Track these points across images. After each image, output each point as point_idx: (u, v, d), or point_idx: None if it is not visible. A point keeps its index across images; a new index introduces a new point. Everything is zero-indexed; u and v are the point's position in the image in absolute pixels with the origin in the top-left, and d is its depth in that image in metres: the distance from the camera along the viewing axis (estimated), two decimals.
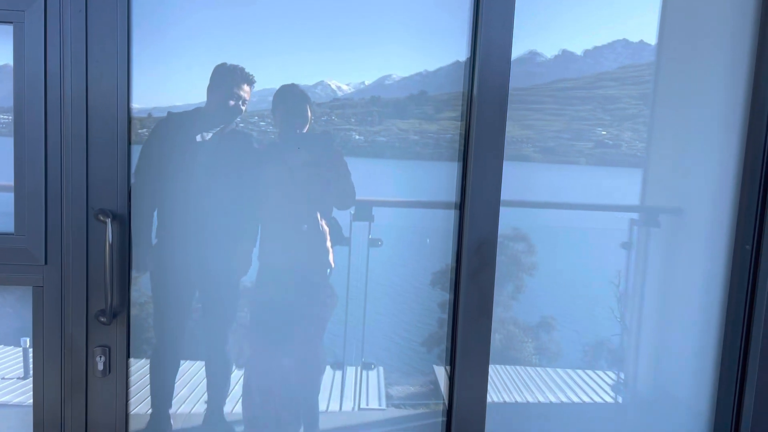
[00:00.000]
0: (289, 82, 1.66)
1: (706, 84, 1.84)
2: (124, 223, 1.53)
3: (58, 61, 1.47)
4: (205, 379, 1.77)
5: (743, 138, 1.81)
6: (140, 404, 1.70)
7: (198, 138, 1.67)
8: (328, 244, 1.76)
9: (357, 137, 1.76)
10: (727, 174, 1.84)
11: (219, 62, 1.62)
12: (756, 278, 1.77)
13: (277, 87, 1.66)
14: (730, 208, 1.84)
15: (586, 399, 1.98)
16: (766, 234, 1.73)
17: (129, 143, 1.53)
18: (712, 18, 1.82)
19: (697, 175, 1.89)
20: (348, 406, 1.89)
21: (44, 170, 1.50)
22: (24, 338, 1.73)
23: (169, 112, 1.63)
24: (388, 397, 1.87)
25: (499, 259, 1.78)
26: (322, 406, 1.85)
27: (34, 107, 1.48)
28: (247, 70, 1.64)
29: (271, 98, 1.67)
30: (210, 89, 1.64)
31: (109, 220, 1.45)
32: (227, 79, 1.64)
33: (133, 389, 1.65)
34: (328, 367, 1.86)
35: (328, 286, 1.79)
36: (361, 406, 1.90)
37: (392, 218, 1.81)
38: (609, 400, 2.00)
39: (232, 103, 1.65)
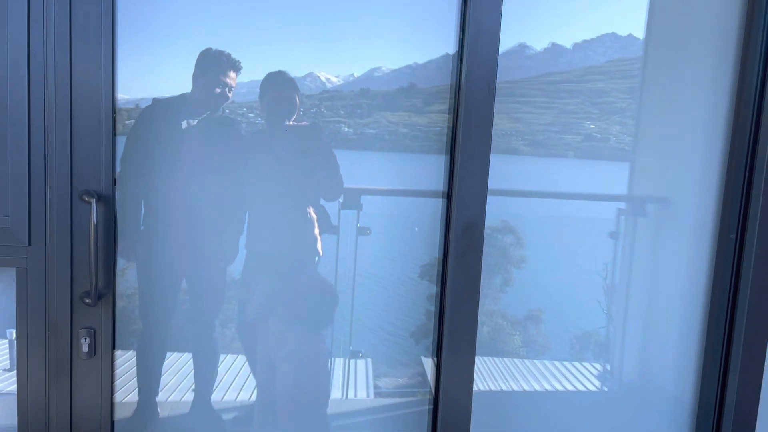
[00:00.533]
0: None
1: (693, 77, 1.85)
2: (108, 203, 1.52)
3: (42, 39, 1.46)
4: (193, 368, 1.76)
5: (729, 129, 1.82)
6: (128, 392, 1.69)
7: (184, 124, 1.66)
8: (316, 231, 1.76)
9: (346, 129, 1.76)
10: (713, 164, 1.86)
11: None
12: (740, 267, 1.78)
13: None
14: (716, 197, 1.86)
15: (571, 388, 1.98)
16: (751, 223, 1.74)
17: (114, 122, 1.52)
18: (699, 11, 1.84)
19: (683, 165, 1.90)
20: (336, 395, 1.89)
21: (27, 150, 1.48)
22: (10, 330, 1.73)
23: (154, 99, 1.62)
24: (376, 387, 1.87)
25: (488, 251, 1.79)
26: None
27: (17, 85, 1.46)
28: (233, 56, 1.64)
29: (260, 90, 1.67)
30: (195, 76, 1.63)
31: (93, 201, 1.45)
32: (212, 65, 1.63)
33: (120, 381, 1.65)
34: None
35: (326, 281, 1.79)
36: (349, 397, 1.89)
37: (381, 207, 1.81)
38: (594, 389, 2.01)
39: (218, 90, 1.65)
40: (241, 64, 1.64)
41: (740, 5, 1.77)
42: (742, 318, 1.77)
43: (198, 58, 1.62)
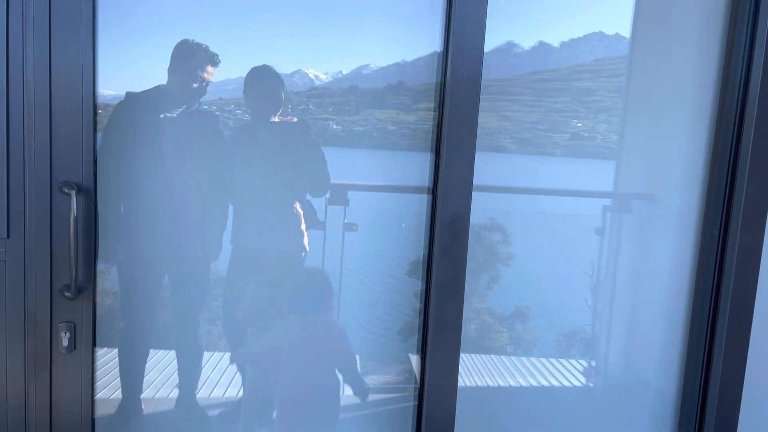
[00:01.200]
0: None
1: (678, 76, 1.87)
2: (89, 195, 1.50)
3: (21, 28, 1.44)
4: (177, 365, 1.75)
5: (712, 127, 1.84)
6: (111, 389, 1.68)
7: (161, 117, 1.63)
8: (303, 227, 1.75)
9: (335, 126, 1.76)
10: (696, 162, 1.87)
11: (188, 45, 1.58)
12: (723, 263, 1.79)
13: None
14: (700, 194, 1.87)
15: (557, 385, 1.98)
16: (734, 220, 1.76)
17: (94, 113, 1.50)
18: (683, 10, 1.85)
19: (668, 163, 1.91)
20: None
21: (6, 141, 1.46)
22: None
23: (127, 93, 1.59)
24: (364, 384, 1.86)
25: (476, 249, 1.79)
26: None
27: None
28: (211, 49, 1.60)
29: None
30: (171, 69, 1.60)
31: (73, 193, 1.43)
32: (189, 59, 1.59)
33: (105, 379, 1.63)
34: None
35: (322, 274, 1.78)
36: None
37: (368, 203, 1.81)
38: (580, 385, 2.01)
39: (195, 85, 1.62)
40: (219, 58, 1.61)
41: (725, 5, 1.79)
42: (725, 313, 1.78)
43: (174, 50, 1.58)
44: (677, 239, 1.91)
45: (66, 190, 1.44)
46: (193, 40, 1.59)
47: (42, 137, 1.47)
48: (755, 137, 1.70)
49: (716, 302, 1.82)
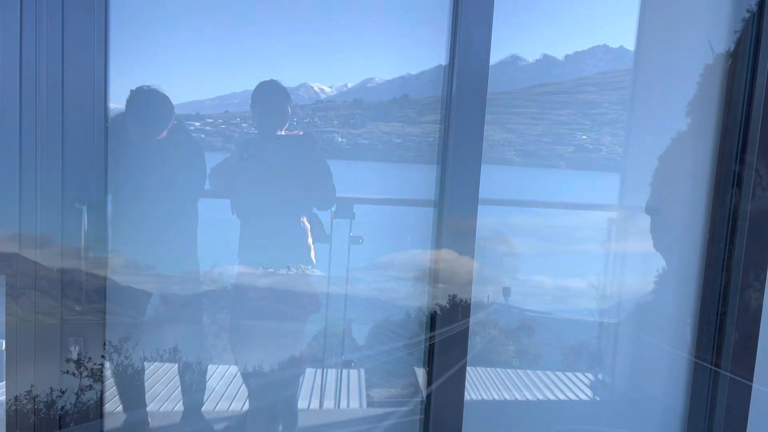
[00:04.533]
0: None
1: (681, 88, 1.87)
2: (100, 210, 1.52)
3: (34, 48, 1.46)
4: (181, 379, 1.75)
5: (717, 140, 1.83)
6: (118, 402, 1.68)
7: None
8: (310, 240, 1.76)
9: (339, 139, 1.77)
10: (702, 174, 1.87)
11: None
12: (729, 276, 1.78)
13: None
14: (705, 207, 1.86)
15: (564, 398, 1.97)
16: (739, 232, 1.75)
17: (106, 128, 1.51)
18: (687, 25, 1.86)
19: (673, 175, 1.91)
20: (329, 404, 1.88)
21: (18, 157, 1.47)
22: (0, 340, 1.71)
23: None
24: (369, 397, 1.86)
25: (481, 261, 1.79)
26: (302, 404, 1.83)
27: (8, 93, 1.45)
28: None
29: None
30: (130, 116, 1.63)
31: (84, 208, 1.45)
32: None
33: (113, 390, 1.64)
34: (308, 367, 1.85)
35: (313, 293, 1.78)
36: (341, 407, 1.88)
37: (374, 216, 1.81)
38: (587, 399, 2.00)
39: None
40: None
41: (728, 17, 1.79)
42: (732, 327, 1.77)
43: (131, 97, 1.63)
44: (683, 252, 1.90)
45: (77, 205, 1.46)
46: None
47: (54, 154, 1.48)
48: (759, 149, 1.70)
49: (723, 316, 1.81)
